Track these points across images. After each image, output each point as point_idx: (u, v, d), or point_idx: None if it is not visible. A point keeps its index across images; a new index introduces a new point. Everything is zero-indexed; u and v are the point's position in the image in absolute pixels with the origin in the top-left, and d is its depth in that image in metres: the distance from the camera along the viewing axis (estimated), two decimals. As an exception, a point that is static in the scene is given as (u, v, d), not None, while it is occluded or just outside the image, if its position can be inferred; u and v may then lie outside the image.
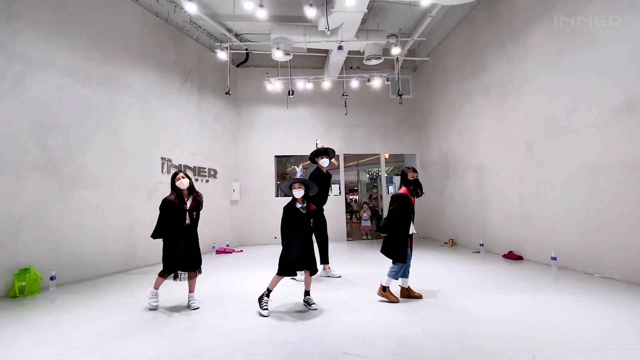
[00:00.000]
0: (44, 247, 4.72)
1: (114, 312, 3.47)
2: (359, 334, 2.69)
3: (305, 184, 3.45)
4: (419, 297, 3.63)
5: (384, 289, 3.56)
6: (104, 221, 5.56)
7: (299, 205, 3.43)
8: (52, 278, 4.62)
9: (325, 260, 5.02)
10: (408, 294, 3.67)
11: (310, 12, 5.84)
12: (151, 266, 6.23)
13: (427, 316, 3.08)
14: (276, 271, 3.35)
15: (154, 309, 3.50)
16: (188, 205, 3.52)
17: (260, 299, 3.32)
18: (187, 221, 3.49)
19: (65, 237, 4.97)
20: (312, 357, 2.32)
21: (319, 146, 5.04)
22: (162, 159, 6.91)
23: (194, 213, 3.57)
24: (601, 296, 3.53)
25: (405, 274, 3.66)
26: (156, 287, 3.57)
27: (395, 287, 3.73)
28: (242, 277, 5.07)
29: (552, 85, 5.14)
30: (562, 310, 3.14)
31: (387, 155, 13.06)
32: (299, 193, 3.39)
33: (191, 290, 3.60)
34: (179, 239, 3.45)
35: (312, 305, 3.38)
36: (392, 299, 3.52)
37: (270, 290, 3.36)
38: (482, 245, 6.86)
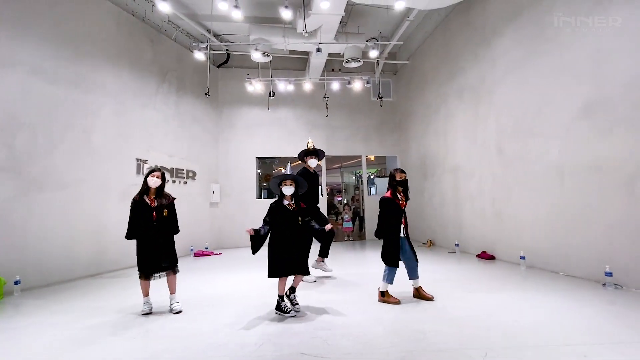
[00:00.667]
0: (8, 250, 4.56)
1: (76, 318, 3.37)
2: (321, 335, 2.70)
3: (296, 181, 3.33)
4: (430, 298, 3.51)
5: (382, 294, 3.52)
6: (72, 223, 5.41)
7: (286, 202, 3.29)
8: (16, 282, 4.47)
9: (324, 254, 4.95)
10: (418, 294, 3.59)
11: (286, 14, 5.86)
12: (123, 269, 6.09)
13: (390, 316, 3.11)
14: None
15: (146, 314, 3.36)
16: (155, 203, 3.44)
17: (278, 308, 3.23)
18: (154, 220, 3.38)
19: (30, 240, 4.82)
20: (269, 359, 2.31)
21: (310, 146, 5.01)
22: (138, 160, 6.79)
23: (164, 211, 3.48)
24: (562, 294, 3.64)
25: (413, 275, 3.57)
26: (144, 294, 3.46)
27: (409, 287, 3.70)
28: (215, 281, 5.01)
29: (520, 89, 5.30)
30: (524, 308, 3.23)
31: (372, 157, 13.19)
32: (288, 190, 3.27)
33: (171, 292, 3.51)
34: (148, 238, 3.37)
35: (296, 306, 3.28)
36: (392, 302, 3.44)
37: (281, 295, 3.26)
38: (458, 245, 6.99)
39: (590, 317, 2.91)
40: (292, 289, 3.41)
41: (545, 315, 3.00)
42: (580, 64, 4.29)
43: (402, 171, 3.62)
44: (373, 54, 7.71)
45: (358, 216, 11.38)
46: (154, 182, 3.42)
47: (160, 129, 7.43)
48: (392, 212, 3.50)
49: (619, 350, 2.25)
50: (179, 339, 2.72)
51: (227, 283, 4.81)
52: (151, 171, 3.48)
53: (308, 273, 3.38)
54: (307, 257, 3.38)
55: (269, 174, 14.84)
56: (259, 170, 12.05)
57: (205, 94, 7.96)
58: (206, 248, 8.36)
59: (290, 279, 3.35)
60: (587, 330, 2.61)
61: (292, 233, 3.25)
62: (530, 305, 3.31)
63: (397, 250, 3.48)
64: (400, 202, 3.54)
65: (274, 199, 3.40)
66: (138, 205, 3.43)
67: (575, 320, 2.83)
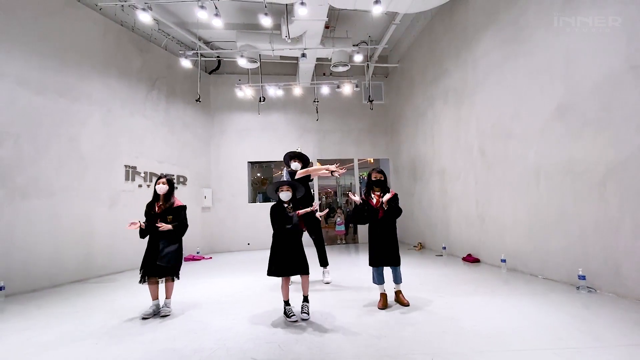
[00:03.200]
0: (-8, 257, 4.68)
1: (51, 323, 3.45)
2: (277, 340, 2.72)
3: (293, 186, 3.40)
4: (405, 304, 3.53)
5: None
6: (59, 230, 5.53)
7: (285, 205, 3.36)
8: (0, 288, 4.58)
9: (324, 262, 4.91)
10: (397, 298, 3.65)
11: (266, 21, 5.93)
12: (110, 275, 6.19)
13: (352, 321, 3.12)
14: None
15: (146, 318, 3.43)
16: (160, 209, 3.58)
17: (284, 312, 3.29)
18: (159, 225, 3.50)
19: (15, 246, 4.93)
20: (220, 364, 2.34)
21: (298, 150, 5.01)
22: (126, 166, 6.91)
23: (169, 217, 3.58)
24: (534, 298, 3.60)
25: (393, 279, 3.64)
26: (153, 298, 3.57)
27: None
28: (194, 286, 5.06)
29: (499, 90, 5.28)
30: (492, 312, 3.20)
31: (371, 160, 13.17)
32: (285, 195, 3.33)
33: (167, 296, 3.62)
34: (150, 243, 3.53)
35: (303, 314, 3.23)
36: (379, 305, 3.50)
37: (286, 300, 3.32)
38: (445, 248, 6.95)
39: (555, 322, 2.88)
40: (304, 298, 3.37)
41: (511, 319, 2.97)
42: (553, 66, 4.26)
43: (379, 171, 3.67)
44: (358, 58, 7.75)
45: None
46: (159, 188, 3.58)
47: (149, 136, 7.55)
48: (359, 211, 3.58)
49: (567, 356, 2.23)
50: (135, 343, 2.77)
51: (204, 288, 4.85)
52: (158, 178, 3.65)
53: (307, 273, 3.33)
54: (304, 257, 3.34)
55: (265, 178, 14.95)
56: (258, 174, 12.16)
57: (196, 100, 8.09)
58: (197, 252, 8.44)
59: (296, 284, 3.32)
60: (547, 335, 2.59)
61: (292, 236, 3.31)
62: (500, 309, 3.28)
63: (371, 248, 3.56)
64: (373, 200, 3.56)
65: (272, 203, 3.45)
66: (147, 209, 3.63)
67: (540, 325, 2.80)
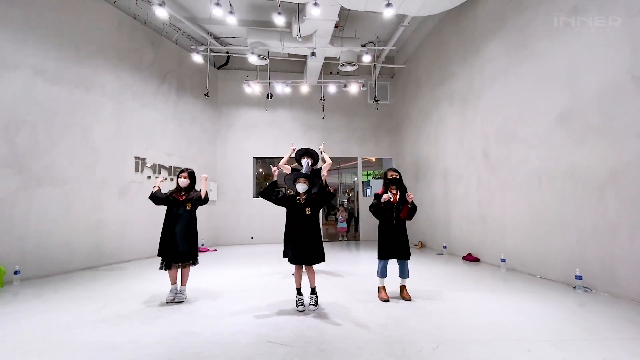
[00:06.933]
0: (9, 241, 4.82)
1: (68, 305, 3.61)
2: (290, 326, 2.88)
3: (310, 181, 3.46)
4: (407, 299, 3.67)
5: (378, 289, 3.78)
6: (71, 218, 5.67)
7: (298, 196, 3.43)
8: (16, 272, 4.73)
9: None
10: (400, 293, 3.80)
11: (279, 20, 6.06)
12: (119, 263, 6.35)
13: (360, 311, 3.28)
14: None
15: (169, 302, 3.60)
16: (184, 197, 3.75)
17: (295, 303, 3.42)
18: (180, 211, 3.67)
19: (30, 232, 5.08)
20: (239, 346, 2.50)
21: (320, 150, 5.08)
22: (136, 158, 7.05)
23: (188, 204, 3.73)
24: (531, 295, 3.77)
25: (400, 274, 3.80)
26: (172, 282, 3.72)
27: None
28: (203, 276, 5.21)
29: (504, 95, 5.43)
30: (492, 308, 3.37)
31: (372, 159, 13.31)
32: (302, 187, 3.41)
33: (182, 283, 3.78)
34: (170, 229, 3.65)
35: (310, 306, 3.34)
36: (381, 298, 3.67)
37: (298, 288, 3.43)
38: (446, 247, 7.12)
39: (551, 317, 3.04)
40: (312, 290, 3.47)
41: (511, 314, 3.14)
42: (558, 73, 4.41)
43: (395, 170, 3.82)
44: (366, 58, 7.88)
45: (353, 217, 11.53)
46: (182, 182, 3.77)
47: (158, 129, 7.68)
48: (381, 208, 3.71)
49: (562, 346, 2.40)
50: (158, 326, 2.93)
51: (208, 280, 5.01)
52: (180, 172, 3.82)
53: (316, 262, 3.36)
54: (316, 247, 3.35)
55: (269, 174, 15.10)
56: (260, 170, 12.31)
57: (205, 95, 8.21)
58: (202, 245, 8.60)
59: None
60: (544, 328, 2.75)
61: (300, 224, 3.36)
62: (499, 305, 3.44)
63: (382, 243, 3.70)
64: (391, 198, 3.72)
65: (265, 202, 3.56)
66: (171, 192, 3.80)
67: (537, 320, 2.97)
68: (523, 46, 5.01)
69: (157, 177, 3.71)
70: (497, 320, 2.96)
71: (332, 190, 3.54)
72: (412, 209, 3.70)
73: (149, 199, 3.76)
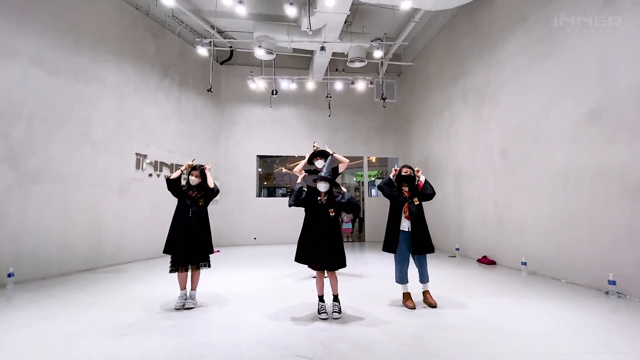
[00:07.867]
0: (2, 241, 4.50)
1: (68, 312, 3.31)
2: (316, 336, 2.63)
3: (331, 184, 3.28)
4: (433, 304, 3.41)
5: (403, 296, 3.53)
6: (69, 216, 5.35)
7: (319, 197, 3.25)
8: (9, 275, 4.41)
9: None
10: (424, 298, 3.56)
11: (291, 11, 5.81)
12: (120, 265, 6.04)
13: (388, 319, 3.04)
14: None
15: (178, 309, 3.36)
16: (195, 194, 3.56)
17: (317, 310, 3.20)
18: (192, 208, 3.48)
19: (25, 232, 4.76)
20: (263, 360, 2.25)
21: (315, 148, 4.89)
22: (137, 154, 6.74)
23: (200, 201, 3.55)
24: (563, 301, 3.56)
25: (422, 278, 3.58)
26: (181, 287, 3.47)
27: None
28: (211, 279, 4.93)
29: (525, 93, 5.22)
30: (524, 314, 3.15)
31: (373, 159, 13.09)
32: (324, 186, 3.23)
33: (192, 287, 3.55)
34: (182, 227, 3.43)
35: (334, 314, 3.12)
36: (407, 305, 3.41)
37: (320, 296, 3.22)
38: (458, 249, 6.91)
39: (591, 326, 2.83)
40: (334, 297, 3.24)
41: (550, 322, 2.92)
42: (587, 69, 4.21)
43: (409, 167, 3.67)
44: (377, 54, 7.65)
45: (358, 218, 11.30)
46: (192, 180, 3.56)
47: (160, 124, 7.38)
48: (392, 184, 3.62)
49: (624, 361, 2.18)
50: (170, 336, 2.66)
51: (224, 280, 4.74)
52: (192, 169, 3.62)
53: (338, 267, 3.16)
54: (337, 251, 3.15)
55: (269, 173, 14.82)
56: (260, 169, 12.02)
57: (208, 91, 7.90)
58: (204, 245, 8.29)
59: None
60: (588, 340, 2.54)
61: (321, 225, 3.17)
62: (533, 311, 3.23)
63: (389, 235, 3.53)
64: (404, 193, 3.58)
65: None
66: (183, 188, 3.62)
67: (576, 329, 2.76)
68: (547, 41, 4.81)
69: (180, 168, 3.53)
70: (539, 330, 2.73)
71: (357, 202, 3.37)
72: (427, 183, 3.60)
73: (166, 181, 3.54)
